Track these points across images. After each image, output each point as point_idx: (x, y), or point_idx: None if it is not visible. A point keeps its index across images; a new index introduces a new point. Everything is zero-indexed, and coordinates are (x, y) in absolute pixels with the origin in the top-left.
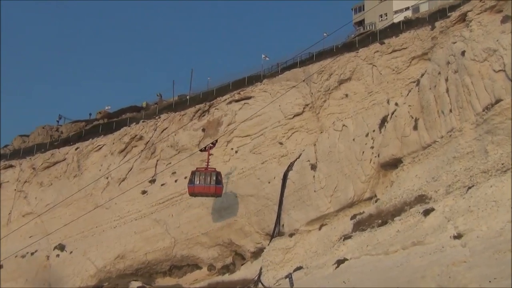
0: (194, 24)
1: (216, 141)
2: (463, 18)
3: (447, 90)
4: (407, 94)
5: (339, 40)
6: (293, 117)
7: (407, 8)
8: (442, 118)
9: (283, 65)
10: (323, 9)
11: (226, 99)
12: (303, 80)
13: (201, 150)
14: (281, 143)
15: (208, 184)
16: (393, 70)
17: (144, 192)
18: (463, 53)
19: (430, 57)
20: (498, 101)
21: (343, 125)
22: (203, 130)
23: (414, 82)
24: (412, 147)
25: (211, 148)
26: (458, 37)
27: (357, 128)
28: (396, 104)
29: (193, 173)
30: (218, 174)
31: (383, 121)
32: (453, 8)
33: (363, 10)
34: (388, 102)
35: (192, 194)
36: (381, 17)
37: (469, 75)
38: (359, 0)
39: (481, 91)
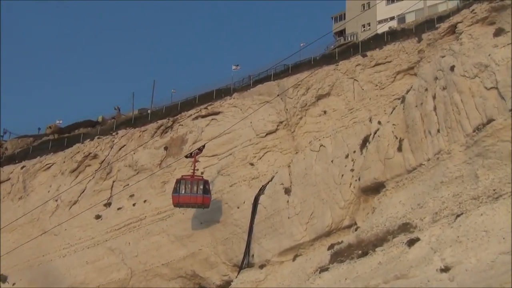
0: (158, 30)
1: (203, 146)
2: (452, 30)
3: (435, 108)
4: (391, 112)
5: (318, 51)
6: (266, 135)
7: (392, 18)
8: (429, 139)
9: (255, 77)
10: (300, 16)
11: (191, 115)
12: (278, 95)
13: (186, 157)
14: (252, 164)
15: (194, 194)
16: (376, 85)
17: (98, 217)
18: (452, 68)
19: (416, 71)
20: (490, 121)
21: (321, 145)
22: (166, 148)
23: (398, 98)
24: (396, 171)
25: (197, 154)
26: (447, 51)
27: (336, 148)
28: (379, 122)
29: (178, 181)
30: (205, 182)
31: (365, 141)
32: (441, 19)
33: (344, 19)
34: (370, 120)
35: (177, 204)
36: (364, 27)
37: (459, 92)
38: (339, 9)
39: (472, 110)
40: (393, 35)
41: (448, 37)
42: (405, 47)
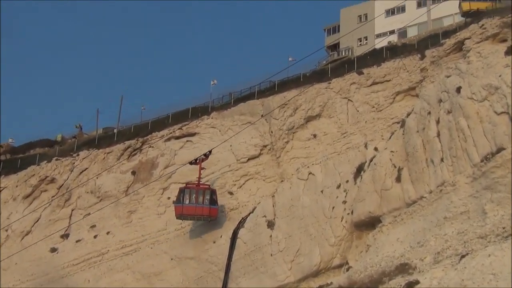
0: (128, 41)
1: (210, 152)
2: (459, 47)
3: (438, 135)
4: (389, 138)
5: (308, 67)
6: (248, 160)
7: (392, 32)
8: (432, 168)
9: (237, 95)
10: (289, 27)
11: (163, 135)
12: (262, 115)
13: (190, 163)
14: (231, 193)
15: (200, 204)
16: (373, 107)
17: (53, 250)
18: (458, 89)
19: (418, 92)
20: (499, 150)
21: (310, 173)
22: (133, 173)
23: (398, 122)
24: (394, 204)
25: (203, 160)
26: (453, 70)
27: (327, 177)
28: (376, 149)
29: (181, 190)
30: (213, 192)
31: (359, 169)
32: (447, 34)
33: (338, 31)
34: (365, 146)
35: (180, 216)
36: (360, 41)
37: (465, 117)
38: (333, 19)
39: (480, 137)
40: (392, 51)
41: (454, 55)
42: (406, 65)
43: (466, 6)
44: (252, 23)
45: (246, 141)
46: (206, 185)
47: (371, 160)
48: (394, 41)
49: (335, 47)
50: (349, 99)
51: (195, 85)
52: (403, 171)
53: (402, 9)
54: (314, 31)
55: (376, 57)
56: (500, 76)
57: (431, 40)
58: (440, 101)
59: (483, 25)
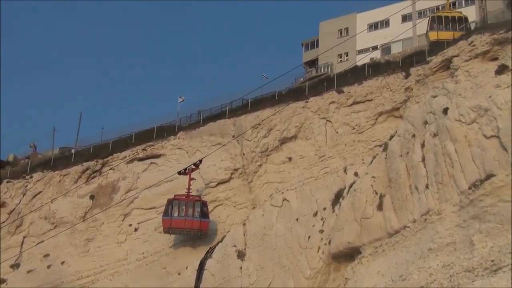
0: (92, 51)
1: (201, 161)
2: (446, 65)
3: (423, 159)
4: (371, 162)
5: (284, 84)
6: (217, 185)
7: (374, 48)
8: (416, 195)
9: (206, 113)
10: (266, 41)
11: (126, 157)
12: (233, 136)
13: (179, 173)
14: None
15: (190, 217)
16: (353, 128)
17: (2, 281)
18: (445, 111)
19: (402, 113)
20: (489, 176)
21: (284, 200)
22: (92, 197)
23: (380, 146)
24: (375, 234)
25: (193, 170)
26: (440, 90)
27: (303, 204)
28: (356, 174)
29: (170, 202)
30: (203, 204)
31: (338, 196)
32: (434, 51)
33: (317, 46)
34: (345, 171)
35: (168, 230)
36: (340, 57)
37: (453, 140)
38: (312, 33)
39: (468, 163)
40: (375, 69)
41: (441, 73)
42: (389, 84)
43: (433, 35)
44: (226, 34)
45: (215, 164)
46: (196, 196)
47: (350, 186)
48: (377, 58)
49: (313, 63)
50: (327, 120)
51: (161, 102)
52: (385, 198)
53: (386, 23)
54: (291, 45)
55: (357, 74)
56: (490, 97)
57: (417, 57)
58: (426, 123)
59: (472, 42)
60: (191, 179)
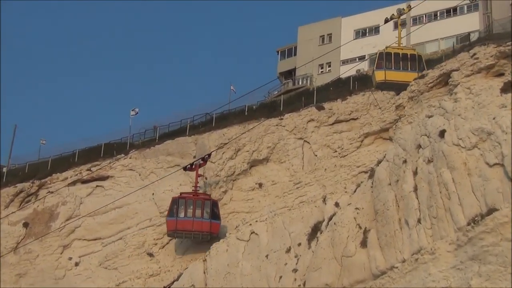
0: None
1: (209, 155)
2: (444, 81)
3: (416, 189)
4: (354, 191)
5: (255, 98)
6: None
7: (362, 58)
8: (406, 231)
9: (163, 129)
10: (236, 47)
11: (67, 178)
12: (194, 157)
13: (185, 169)
14: (151, 255)
15: (199, 218)
16: (335, 151)
17: None
18: (442, 133)
19: (392, 135)
20: (491, 211)
21: (252, 232)
22: (26, 225)
23: (365, 172)
24: (358, 274)
25: (201, 166)
26: (436, 109)
27: (274, 238)
28: (337, 204)
29: (174, 201)
30: (214, 203)
31: (315, 230)
32: (430, 63)
33: (294, 54)
34: (324, 200)
35: (173, 233)
36: (322, 67)
37: (450, 168)
38: (290, 39)
39: (467, 194)
40: (362, 82)
41: (438, 90)
42: (378, 100)
43: (380, 75)
44: (188, 39)
45: (172, 189)
46: (206, 195)
47: (330, 219)
48: (364, 70)
49: (290, 73)
50: (305, 140)
51: (111, 116)
52: (370, 233)
53: (375, 30)
54: (265, 52)
55: (341, 88)
56: (494, 118)
57: None
58: (419, 147)
59: (475, 54)
60: (198, 175)
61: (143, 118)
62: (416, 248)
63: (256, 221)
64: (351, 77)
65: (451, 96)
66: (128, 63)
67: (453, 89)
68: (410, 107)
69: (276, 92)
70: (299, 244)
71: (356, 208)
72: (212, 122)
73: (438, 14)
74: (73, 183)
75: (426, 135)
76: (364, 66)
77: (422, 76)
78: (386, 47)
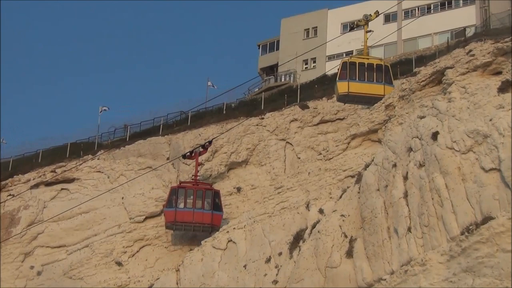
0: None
1: (210, 142)
2: (438, 79)
3: (406, 195)
4: (340, 196)
5: (234, 95)
6: (145, 219)
7: (349, 53)
8: (395, 241)
9: (135, 128)
10: (212, 39)
11: (29, 180)
12: (168, 158)
13: (183, 157)
14: (119, 264)
15: (200, 209)
16: (320, 153)
17: None
18: (435, 135)
19: (381, 137)
20: (486, 219)
21: (229, 241)
22: None
23: (352, 176)
24: (343, 287)
25: (201, 154)
26: (429, 109)
27: (253, 247)
28: (321, 211)
29: (173, 191)
30: (216, 193)
31: (297, 238)
32: (423, 60)
33: (277, 49)
34: (307, 207)
35: (171, 225)
36: (306, 63)
37: (443, 173)
38: (272, 33)
39: (461, 202)
40: None
41: (431, 89)
42: None
43: (343, 87)
44: (164, 31)
45: (144, 193)
46: (207, 184)
47: (314, 226)
48: None
49: (271, 69)
50: (287, 142)
51: (77, 113)
52: (357, 243)
53: None
54: (245, 46)
55: (326, 86)
56: (491, 120)
57: (401, 67)
58: (410, 150)
59: (470, 50)
60: (198, 164)
61: (113, 116)
62: (406, 259)
63: (234, 228)
64: None
65: (444, 95)
66: (97, 58)
67: (447, 88)
68: (401, 107)
69: (257, 89)
70: (280, 254)
71: (342, 215)
72: (187, 121)
73: (432, 7)
74: (36, 185)
75: (417, 137)
76: None
77: (414, 74)
78: (350, 56)
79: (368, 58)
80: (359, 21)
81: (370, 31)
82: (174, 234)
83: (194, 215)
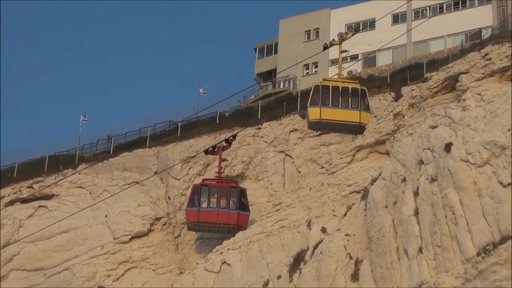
0: None
1: (234, 137)
2: (451, 85)
3: (417, 213)
4: (345, 214)
5: (228, 103)
6: (131, 239)
7: (354, 57)
8: (405, 262)
9: (119, 140)
10: (205, 42)
11: (4, 196)
12: (156, 172)
13: (206, 152)
14: None
15: (224, 209)
16: (322, 167)
17: None
18: (448, 147)
19: (389, 149)
20: (505, 239)
21: (224, 262)
22: None
23: (358, 192)
24: None
25: (224, 149)
26: (441, 118)
27: (249, 269)
28: (324, 230)
29: (196, 188)
30: (242, 192)
31: (298, 260)
32: (435, 64)
33: (275, 52)
34: (309, 225)
35: (195, 226)
36: (307, 68)
37: (457, 188)
38: (271, 34)
39: (477, 219)
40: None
41: (444, 96)
42: (372, 107)
43: (314, 113)
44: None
45: (129, 211)
46: (232, 181)
47: (316, 247)
48: (357, 71)
49: (269, 75)
50: (287, 154)
51: (56, 122)
52: (363, 264)
53: (370, 24)
54: (242, 49)
55: None
56: (509, 130)
57: (411, 72)
58: (421, 162)
59: (487, 54)
60: (222, 160)
61: (96, 126)
62: (417, 282)
63: (228, 249)
64: None
65: (458, 103)
66: (80, 62)
67: (461, 95)
68: (411, 115)
69: (253, 97)
70: (279, 277)
71: (347, 235)
72: (177, 131)
73: (444, 7)
74: (11, 202)
75: (429, 149)
76: (357, 67)
77: (425, 80)
78: (323, 79)
79: (343, 81)
80: (333, 40)
81: (345, 51)
82: (163, 255)
83: (218, 215)
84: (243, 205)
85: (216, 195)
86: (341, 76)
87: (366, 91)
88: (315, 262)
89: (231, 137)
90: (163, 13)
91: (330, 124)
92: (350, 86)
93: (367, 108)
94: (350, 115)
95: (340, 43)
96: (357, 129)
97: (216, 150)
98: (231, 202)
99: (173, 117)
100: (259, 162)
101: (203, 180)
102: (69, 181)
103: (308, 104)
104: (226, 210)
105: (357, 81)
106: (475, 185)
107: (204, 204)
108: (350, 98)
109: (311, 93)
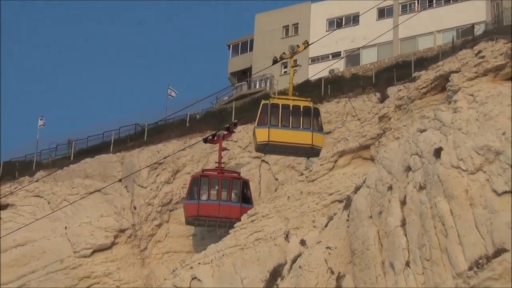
0: None
1: (235, 124)
2: (441, 85)
3: (404, 223)
4: (326, 225)
5: (199, 105)
6: (92, 253)
7: (336, 55)
8: (391, 277)
9: (80, 144)
10: (176, 39)
11: None
12: (120, 180)
13: (205, 141)
14: None
15: (226, 202)
16: (301, 174)
17: None
18: (437, 152)
19: (374, 154)
20: (499, 251)
21: (194, 278)
22: None
23: (340, 201)
24: None
25: (224, 137)
26: (430, 121)
27: (222, 285)
28: (303, 242)
29: (195, 180)
30: (244, 183)
31: (275, 275)
32: (423, 63)
33: (250, 50)
34: (287, 237)
35: (194, 220)
36: (285, 67)
37: (448, 196)
38: (247, 30)
39: (469, 231)
40: (336, 86)
41: (434, 97)
42: (356, 109)
43: (262, 135)
44: (118, 30)
45: (91, 222)
46: (234, 172)
47: (294, 261)
48: (339, 70)
49: (244, 74)
50: (263, 160)
51: (12, 126)
52: (345, 280)
53: (354, 19)
54: (214, 46)
55: (309, 94)
56: (503, 134)
57: (398, 71)
58: (409, 169)
59: (480, 52)
60: (222, 149)
61: (55, 130)
62: None
63: (199, 263)
64: (323, 79)
65: (449, 104)
66: (38, 61)
67: (452, 96)
68: (398, 118)
69: (227, 98)
70: None
71: (328, 248)
72: (143, 135)
73: (434, 1)
74: None
75: (417, 154)
76: (339, 66)
77: (413, 79)
78: (272, 97)
79: (293, 99)
80: (283, 53)
81: (297, 65)
82: (128, 270)
83: (220, 208)
84: (246, 198)
85: (216, 187)
86: (293, 94)
87: (319, 110)
88: (294, 277)
89: (232, 124)
90: (128, 9)
91: (280, 147)
92: (302, 104)
93: (320, 129)
94: (301, 137)
95: (291, 57)
96: (310, 152)
97: (216, 138)
98: (233, 195)
99: (140, 120)
100: (233, 168)
101: (203, 171)
102: (25, 190)
103: (256, 124)
104: (228, 203)
105: (309, 99)
106: (467, 193)
107: (204, 197)
108: (301, 118)
109: (258, 112)
